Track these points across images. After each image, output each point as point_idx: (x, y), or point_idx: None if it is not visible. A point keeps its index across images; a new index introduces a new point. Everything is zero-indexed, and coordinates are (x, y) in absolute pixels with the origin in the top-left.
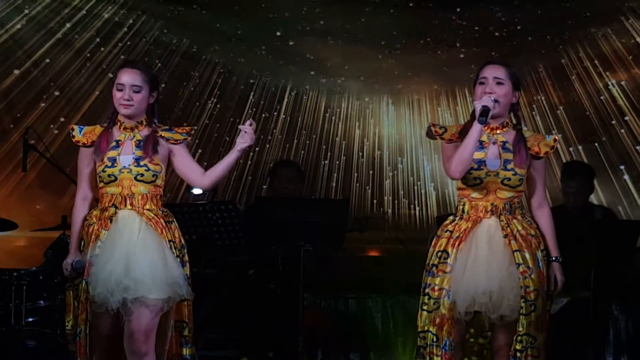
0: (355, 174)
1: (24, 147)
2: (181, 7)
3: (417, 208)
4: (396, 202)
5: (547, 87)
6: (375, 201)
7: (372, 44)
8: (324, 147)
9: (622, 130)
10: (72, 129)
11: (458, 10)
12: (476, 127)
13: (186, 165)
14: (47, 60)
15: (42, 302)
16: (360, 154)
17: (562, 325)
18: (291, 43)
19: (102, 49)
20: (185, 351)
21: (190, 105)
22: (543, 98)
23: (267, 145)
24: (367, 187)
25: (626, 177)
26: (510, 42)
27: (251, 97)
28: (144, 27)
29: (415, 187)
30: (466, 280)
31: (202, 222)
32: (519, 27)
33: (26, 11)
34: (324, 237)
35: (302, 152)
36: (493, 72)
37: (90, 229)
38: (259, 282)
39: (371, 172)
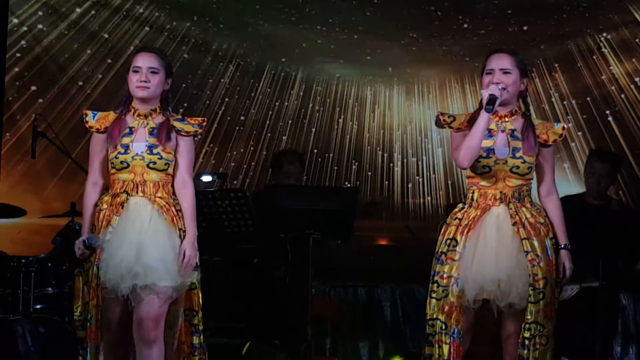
0: (366, 164)
1: (33, 134)
2: None
3: (428, 197)
4: (406, 190)
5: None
6: (385, 188)
7: (383, 32)
8: (334, 133)
9: None
10: (86, 114)
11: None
12: (484, 115)
13: (180, 161)
14: (57, 47)
15: (50, 289)
16: (370, 143)
17: (570, 314)
18: (301, 27)
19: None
20: (195, 340)
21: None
22: (554, 88)
23: (269, 135)
24: (377, 176)
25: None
26: (521, 31)
27: (262, 83)
28: (152, 15)
29: (425, 176)
30: (475, 268)
31: (212, 210)
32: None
33: None
34: (334, 225)
35: (312, 139)
36: (499, 63)
37: (101, 214)
38: (264, 270)
39: (380, 160)
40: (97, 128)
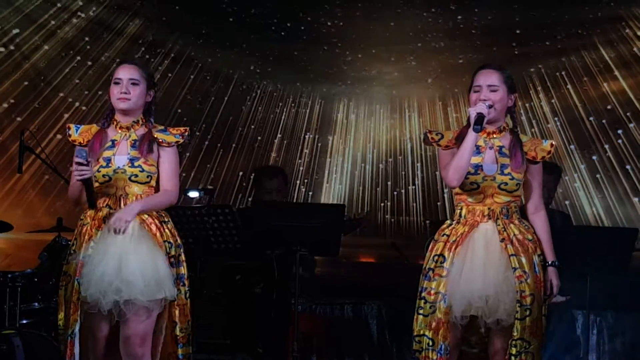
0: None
1: (20, 149)
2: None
3: (413, 215)
4: (394, 208)
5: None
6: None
7: (382, 48)
8: (325, 149)
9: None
10: (69, 128)
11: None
12: (471, 134)
13: (161, 172)
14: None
15: (36, 304)
16: (362, 158)
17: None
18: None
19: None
20: (179, 351)
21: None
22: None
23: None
24: (366, 192)
25: None
26: (514, 46)
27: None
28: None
29: (406, 193)
30: (462, 284)
31: (199, 226)
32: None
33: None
34: (320, 241)
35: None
36: (486, 80)
37: (84, 229)
38: (246, 287)
39: (371, 176)
40: (80, 142)
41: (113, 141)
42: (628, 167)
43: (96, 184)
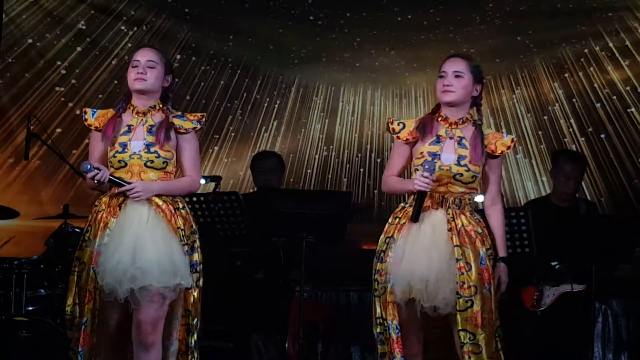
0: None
1: (27, 136)
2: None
3: None
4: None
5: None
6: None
7: (379, 38)
8: (324, 139)
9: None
10: (85, 112)
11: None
12: (412, 185)
13: (182, 160)
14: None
15: (42, 290)
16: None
17: (560, 321)
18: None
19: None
20: (191, 339)
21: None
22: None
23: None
24: (369, 180)
25: None
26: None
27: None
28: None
29: None
30: (404, 265)
31: (205, 213)
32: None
33: None
34: (326, 229)
35: (302, 143)
36: (452, 66)
37: (99, 216)
38: (246, 273)
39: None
40: (96, 126)
41: (129, 126)
42: None
43: (112, 169)
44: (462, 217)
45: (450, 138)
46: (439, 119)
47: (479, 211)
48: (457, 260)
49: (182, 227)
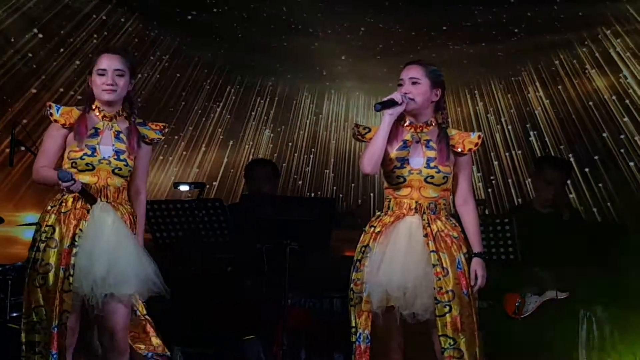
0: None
1: (11, 142)
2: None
3: None
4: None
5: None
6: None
7: (370, 44)
8: (313, 146)
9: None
10: (50, 107)
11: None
12: (384, 121)
13: (138, 169)
14: (30, 54)
15: None
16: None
17: (543, 328)
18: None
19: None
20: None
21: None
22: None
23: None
24: (352, 184)
25: None
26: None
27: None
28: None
29: None
30: (381, 273)
31: (189, 219)
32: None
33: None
34: (310, 235)
35: (292, 151)
36: (408, 73)
37: (66, 217)
38: (237, 279)
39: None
40: (63, 123)
41: (96, 129)
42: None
43: (73, 170)
44: (438, 222)
45: (417, 142)
46: (404, 124)
47: (454, 215)
48: (434, 265)
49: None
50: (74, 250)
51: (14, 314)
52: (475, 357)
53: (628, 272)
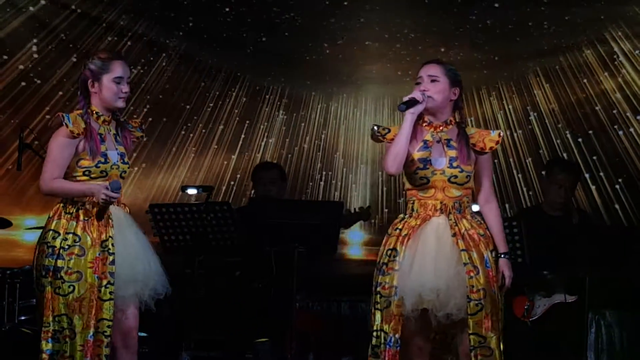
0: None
1: (20, 146)
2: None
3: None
4: (391, 204)
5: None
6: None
7: (378, 46)
8: (321, 149)
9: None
10: (63, 117)
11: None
12: (406, 119)
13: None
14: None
15: (35, 300)
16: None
17: (552, 331)
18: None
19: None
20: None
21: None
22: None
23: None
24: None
25: None
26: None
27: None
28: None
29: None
30: (413, 277)
31: (197, 223)
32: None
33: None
34: (318, 239)
35: (298, 154)
36: (427, 71)
37: (89, 225)
38: (246, 283)
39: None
40: (77, 133)
41: (100, 135)
42: None
43: (84, 178)
44: (464, 221)
45: (438, 142)
46: (423, 124)
47: (477, 213)
48: (465, 264)
49: None
50: (110, 257)
51: (22, 317)
52: (502, 356)
53: (637, 275)
